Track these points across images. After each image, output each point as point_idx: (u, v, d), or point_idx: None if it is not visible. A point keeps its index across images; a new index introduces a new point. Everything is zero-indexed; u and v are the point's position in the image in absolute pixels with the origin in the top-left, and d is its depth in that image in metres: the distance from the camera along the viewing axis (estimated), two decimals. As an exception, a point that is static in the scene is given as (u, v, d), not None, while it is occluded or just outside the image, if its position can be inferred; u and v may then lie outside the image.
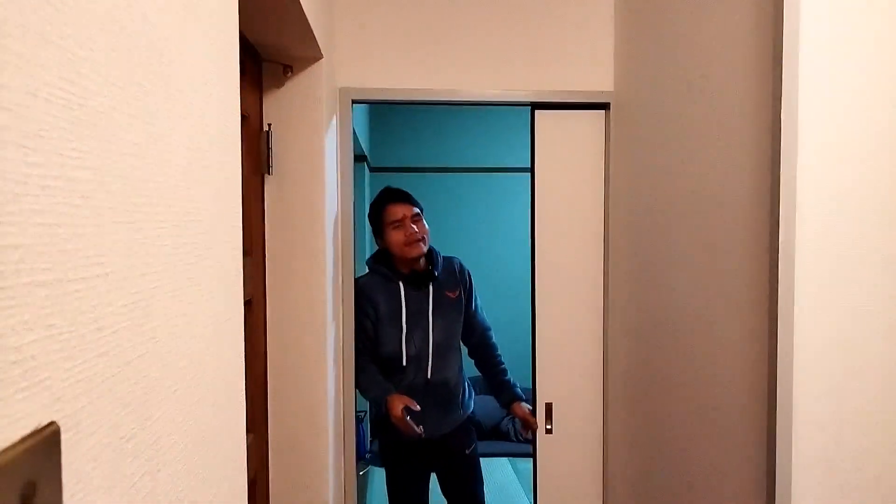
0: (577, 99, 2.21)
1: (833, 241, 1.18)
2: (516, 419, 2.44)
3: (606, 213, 2.26)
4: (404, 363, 2.31)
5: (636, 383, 2.05)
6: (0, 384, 0.32)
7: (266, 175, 1.76)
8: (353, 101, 2.18)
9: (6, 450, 0.32)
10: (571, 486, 2.34)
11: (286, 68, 1.74)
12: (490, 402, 4.61)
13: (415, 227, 2.33)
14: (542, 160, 2.27)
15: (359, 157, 4.23)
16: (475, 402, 2.62)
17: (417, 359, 2.34)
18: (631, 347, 2.09)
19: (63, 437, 0.37)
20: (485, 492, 2.57)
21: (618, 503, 2.24)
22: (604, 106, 2.24)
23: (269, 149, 1.73)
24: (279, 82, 1.76)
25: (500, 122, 5.12)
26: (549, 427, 2.31)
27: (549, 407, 2.31)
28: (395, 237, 2.33)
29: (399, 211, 2.34)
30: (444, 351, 2.38)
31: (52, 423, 0.36)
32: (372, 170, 4.81)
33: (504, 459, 4.22)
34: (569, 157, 2.27)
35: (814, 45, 1.17)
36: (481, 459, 2.60)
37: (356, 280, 2.28)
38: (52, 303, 0.37)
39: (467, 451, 2.51)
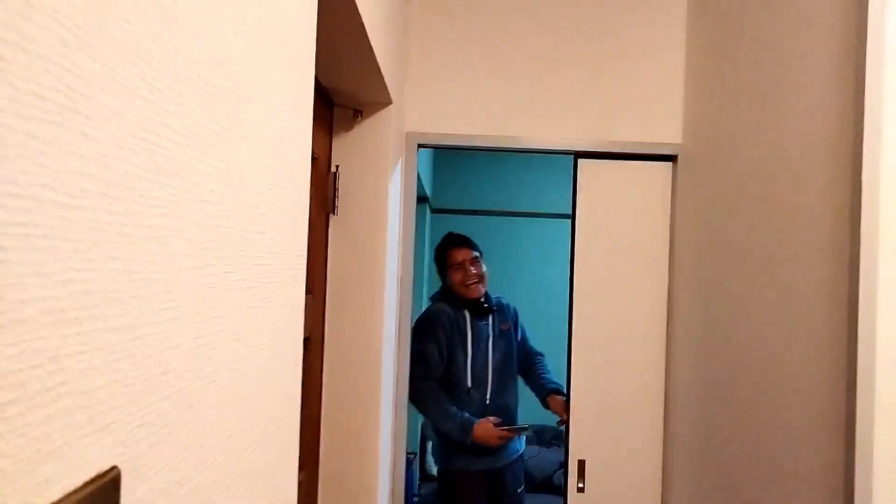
0: (645, 150, 2.18)
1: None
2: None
3: (672, 267, 2.20)
4: (469, 386, 2.54)
5: (696, 448, 1.96)
6: (68, 429, 0.32)
7: (331, 215, 1.80)
8: (419, 146, 2.21)
9: (68, 495, 0.32)
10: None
11: (356, 112, 1.79)
12: (543, 454, 4.56)
13: (473, 269, 2.62)
14: (602, 210, 2.24)
15: (420, 199, 4.28)
16: (529, 455, 2.79)
17: (478, 384, 2.56)
18: (692, 407, 2.00)
19: (122, 481, 0.38)
20: None
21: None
22: (671, 158, 2.20)
23: (335, 189, 1.77)
24: (349, 126, 1.81)
25: (563, 168, 5.10)
26: (580, 485, 2.23)
27: (581, 464, 2.23)
28: (456, 278, 2.63)
29: (459, 255, 2.65)
30: (502, 377, 2.63)
31: (113, 468, 0.36)
32: (433, 211, 4.85)
33: (555, 514, 4.07)
34: (633, 208, 2.23)
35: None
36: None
37: (428, 308, 2.63)
38: (121, 348, 0.37)
39: (519, 490, 2.68)
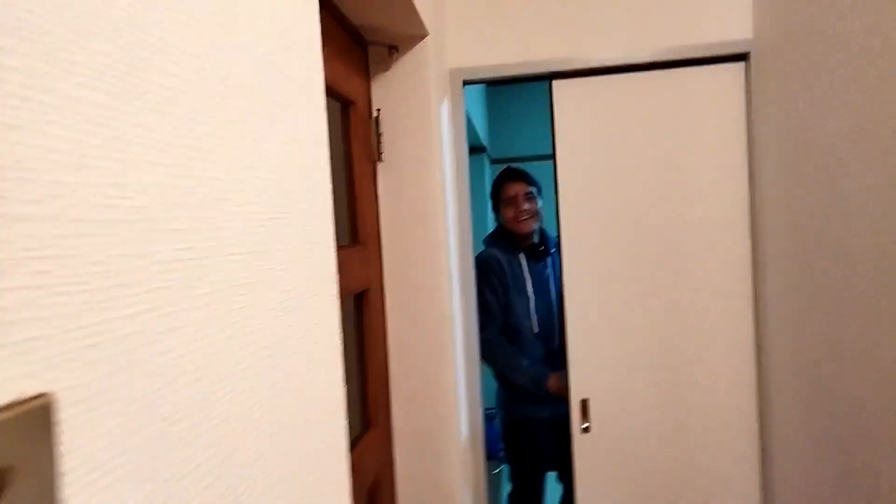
0: (710, 52, 1.97)
1: None
2: None
3: (752, 183, 2.00)
4: (535, 331, 2.45)
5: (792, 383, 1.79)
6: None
7: (378, 163, 1.71)
8: (465, 82, 2.09)
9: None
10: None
11: (391, 49, 1.68)
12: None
13: (526, 204, 2.49)
14: (663, 128, 2.05)
15: (478, 149, 4.15)
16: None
17: (545, 328, 2.46)
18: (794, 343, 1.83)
19: (64, 413, 0.30)
20: None
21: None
22: (742, 57, 1.98)
23: (378, 135, 1.68)
24: (386, 65, 1.70)
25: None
26: (585, 425, 2.10)
27: (584, 403, 2.10)
28: (507, 213, 2.50)
29: (513, 189, 2.52)
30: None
31: (42, 395, 0.28)
32: (493, 162, 4.71)
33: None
34: (696, 121, 2.03)
35: None
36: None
37: (478, 255, 2.42)
38: (38, 242, 0.29)
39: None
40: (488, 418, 2.81)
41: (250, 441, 0.50)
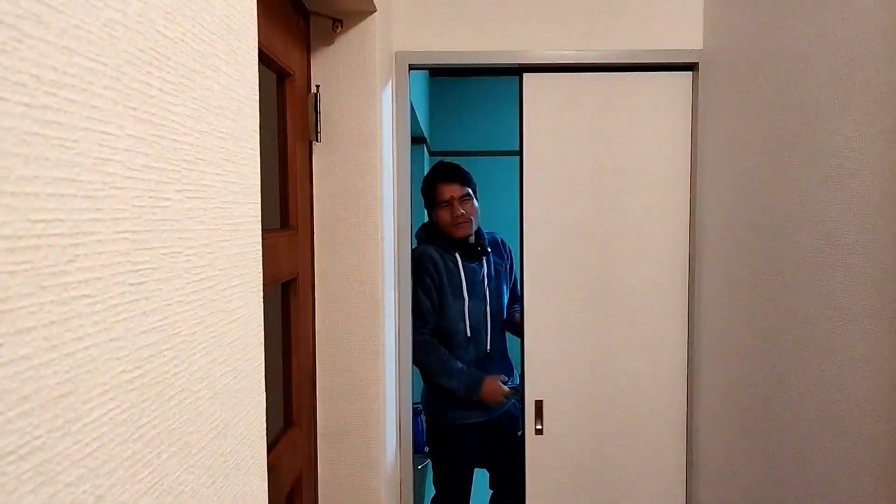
0: (660, 59, 1.95)
1: None
2: None
3: (693, 191, 2.00)
4: (468, 335, 2.32)
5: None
6: None
7: (314, 142, 1.59)
8: (411, 67, 1.99)
9: None
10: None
11: (336, 23, 1.56)
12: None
13: (462, 209, 2.33)
14: (615, 129, 2.01)
15: (419, 139, 4.05)
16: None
17: (477, 331, 2.34)
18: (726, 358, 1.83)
19: None
20: None
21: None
22: (690, 67, 1.97)
23: (317, 113, 1.56)
24: (328, 39, 1.59)
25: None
26: (539, 427, 2.07)
27: (538, 405, 2.06)
28: (443, 217, 2.35)
29: (447, 191, 2.35)
30: (498, 323, 2.42)
31: None
32: (432, 153, 4.62)
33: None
34: (647, 125, 2.01)
35: None
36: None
37: (412, 252, 2.21)
38: None
39: (519, 433, 2.39)
40: (415, 412, 2.73)
41: (139, 468, 0.40)
